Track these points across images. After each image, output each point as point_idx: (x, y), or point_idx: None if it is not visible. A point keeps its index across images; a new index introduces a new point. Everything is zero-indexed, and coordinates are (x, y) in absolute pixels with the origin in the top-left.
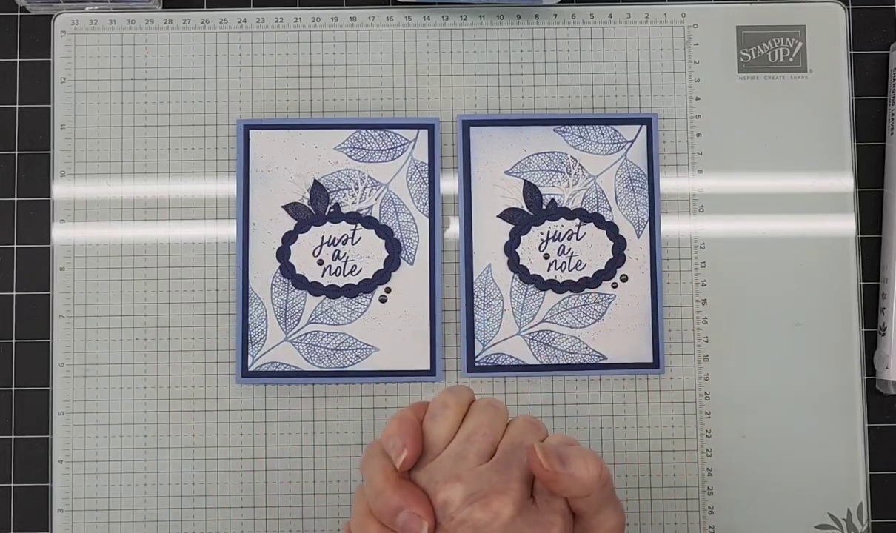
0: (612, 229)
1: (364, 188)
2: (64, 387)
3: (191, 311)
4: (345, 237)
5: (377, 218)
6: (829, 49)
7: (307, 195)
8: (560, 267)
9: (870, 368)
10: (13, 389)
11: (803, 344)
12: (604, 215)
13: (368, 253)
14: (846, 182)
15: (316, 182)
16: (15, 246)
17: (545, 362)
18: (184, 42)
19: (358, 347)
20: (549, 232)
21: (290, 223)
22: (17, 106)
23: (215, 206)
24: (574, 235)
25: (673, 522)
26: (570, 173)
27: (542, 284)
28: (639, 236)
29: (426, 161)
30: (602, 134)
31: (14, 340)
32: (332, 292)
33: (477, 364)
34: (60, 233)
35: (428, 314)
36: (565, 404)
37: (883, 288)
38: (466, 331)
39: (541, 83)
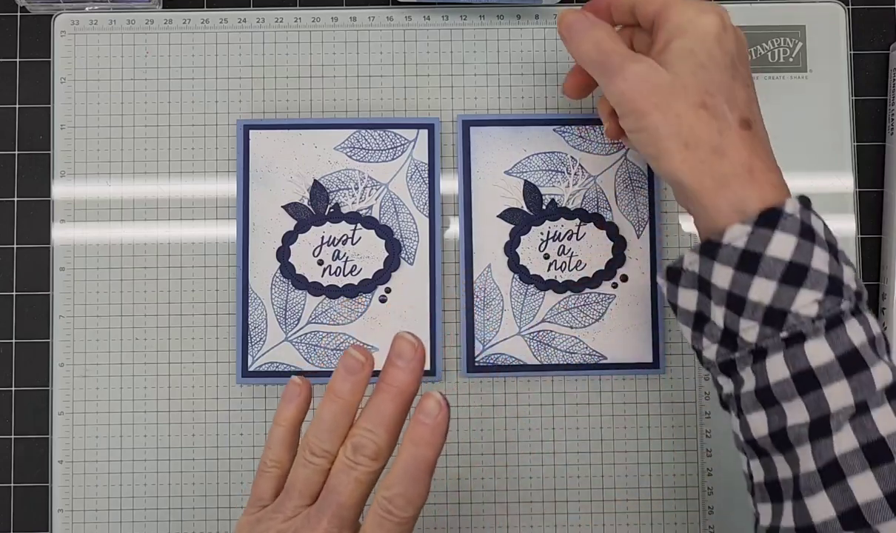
0: (612, 229)
1: (364, 188)
2: (64, 387)
3: (191, 311)
4: (345, 237)
5: (377, 218)
6: (829, 49)
7: (307, 195)
8: (560, 267)
9: None
10: (13, 389)
11: None
12: (604, 215)
13: (368, 253)
14: (846, 182)
15: (316, 182)
16: (15, 246)
17: (545, 362)
18: (184, 42)
19: None
20: (549, 232)
21: (290, 223)
22: (17, 106)
23: (215, 206)
24: (574, 235)
25: (673, 522)
26: (570, 173)
27: (542, 284)
28: (639, 236)
29: (426, 161)
30: (602, 134)
31: (14, 340)
32: (332, 292)
33: (477, 364)
34: (60, 233)
35: (428, 314)
36: (565, 404)
37: (883, 288)
38: (466, 331)
39: (541, 83)
